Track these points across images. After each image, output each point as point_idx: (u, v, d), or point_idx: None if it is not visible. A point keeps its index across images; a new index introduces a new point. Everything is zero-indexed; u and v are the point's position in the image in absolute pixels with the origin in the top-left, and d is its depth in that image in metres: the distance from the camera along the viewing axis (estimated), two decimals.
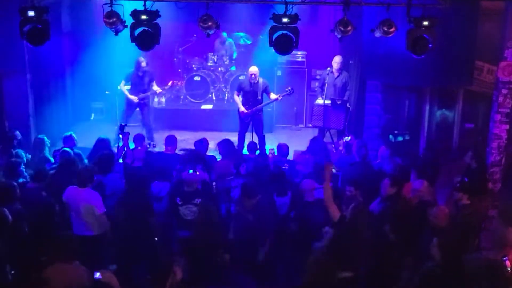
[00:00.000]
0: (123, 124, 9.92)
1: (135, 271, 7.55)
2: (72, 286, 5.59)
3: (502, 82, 8.89)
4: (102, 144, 9.63)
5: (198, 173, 7.87)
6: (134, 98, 12.06)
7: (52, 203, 7.60)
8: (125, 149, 9.43)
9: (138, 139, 9.92)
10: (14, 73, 11.32)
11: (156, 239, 7.70)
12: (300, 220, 7.73)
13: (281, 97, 11.65)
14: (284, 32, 8.55)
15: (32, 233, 7.02)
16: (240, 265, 7.14)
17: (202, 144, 9.67)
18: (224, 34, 14.51)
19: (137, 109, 12.33)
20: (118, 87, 12.34)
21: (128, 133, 9.73)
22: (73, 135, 10.02)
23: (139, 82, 12.10)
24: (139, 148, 9.45)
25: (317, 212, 7.55)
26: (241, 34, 14.89)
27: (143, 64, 12.00)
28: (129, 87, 12.22)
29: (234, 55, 14.78)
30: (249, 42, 14.81)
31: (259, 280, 7.15)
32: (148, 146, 10.07)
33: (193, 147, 9.61)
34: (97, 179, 8.00)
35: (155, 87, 12.27)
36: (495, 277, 5.63)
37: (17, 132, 10.11)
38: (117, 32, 8.86)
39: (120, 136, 9.75)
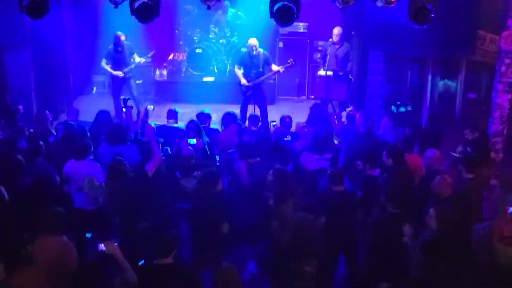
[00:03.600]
0: (126, 98, 9.93)
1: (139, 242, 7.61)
2: (59, 260, 5.57)
3: (505, 52, 8.83)
4: (103, 116, 9.64)
5: (195, 141, 7.98)
6: (120, 73, 12.01)
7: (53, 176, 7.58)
8: (128, 122, 9.46)
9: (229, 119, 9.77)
10: (15, 47, 11.29)
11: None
12: (306, 188, 7.77)
13: (283, 69, 11.62)
14: (285, 3, 8.48)
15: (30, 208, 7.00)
16: (237, 228, 7.20)
17: (203, 117, 9.68)
18: (227, 2, 14.37)
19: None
20: (101, 65, 12.28)
21: (132, 107, 9.75)
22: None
23: (120, 57, 12.06)
24: (149, 124, 9.43)
25: (323, 181, 7.62)
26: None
27: (122, 38, 11.92)
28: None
29: (240, 21, 14.62)
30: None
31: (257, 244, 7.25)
32: (146, 109, 10.06)
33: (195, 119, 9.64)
34: (115, 152, 8.04)
35: (138, 59, 12.21)
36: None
37: (20, 106, 10.13)
38: (116, 5, 8.78)
39: (124, 109, 9.76)
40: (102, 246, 5.52)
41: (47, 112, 9.81)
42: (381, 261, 5.85)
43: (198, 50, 14.16)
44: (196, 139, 8.45)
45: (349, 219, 7.01)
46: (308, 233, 5.88)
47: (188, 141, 8.49)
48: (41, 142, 8.07)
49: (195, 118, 9.69)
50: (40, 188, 6.93)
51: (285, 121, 9.92)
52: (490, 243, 5.85)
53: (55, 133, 9.45)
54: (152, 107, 10.21)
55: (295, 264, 5.59)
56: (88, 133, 9.16)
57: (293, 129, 10.43)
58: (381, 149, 8.11)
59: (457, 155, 8.57)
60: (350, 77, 12.12)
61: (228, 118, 9.66)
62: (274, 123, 10.38)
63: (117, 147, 8.22)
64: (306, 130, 9.62)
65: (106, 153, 8.21)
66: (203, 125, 9.51)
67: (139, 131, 9.29)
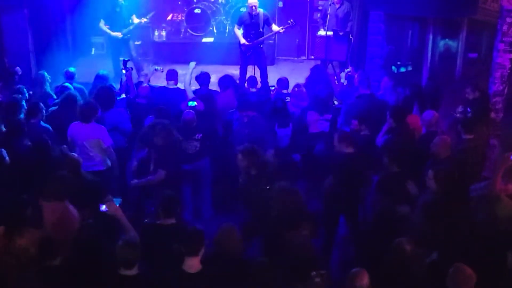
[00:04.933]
0: (125, 59, 9.88)
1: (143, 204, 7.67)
2: (63, 225, 5.60)
3: (507, 11, 8.73)
4: (101, 80, 9.61)
5: (196, 103, 8.02)
6: (118, 34, 11.91)
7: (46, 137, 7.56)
8: (128, 84, 9.44)
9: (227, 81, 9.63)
10: (11, 8, 11.17)
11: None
12: (304, 151, 7.81)
13: (283, 29, 11.52)
14: None
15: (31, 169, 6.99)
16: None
17: (203, 78, 9.64)
18: None
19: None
20: (99, 26, 12.17)
21: (132, 68, 9.70)
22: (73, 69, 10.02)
23: (118, 18, 11.93)
24: (144, 85, 9.42)
25: (321, 143, 7.63)
26: None
27: None
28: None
29: None
30: None
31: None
32: (155, 70, 10.03)
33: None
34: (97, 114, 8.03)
35: (136, 20, 12.08)
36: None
37: (18, 68, 10.08)
38: None
39: (123, 71, 9.72)
40: (104, 207, 5.57)
41: (45, 73, 9.77)
42: (386, 219, 5.90)
43: (197, 11, 14.04)
44: (197, 102, 8.45)
45: (357, 180, 7.05)
46: (294, 201, 5.89)
47: (189, 104, 8.49)
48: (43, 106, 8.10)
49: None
50: (40, 150, 6.95)
51: (282, 82, 9.88)
52: (489, 198, 5.89)
53: (54, 95, 9.43)
54: (160, 68, 10.16)
55: (291, 233, 5.62)
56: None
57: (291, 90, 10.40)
58: (383, 111, 8.11)
59: (457, 115, 8.57)
60: (350, 37, 12.03)
61: (225, 81, 9.60)
62: (273, 88, 10.36)
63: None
64: (296, 89, 9.53)
65: None
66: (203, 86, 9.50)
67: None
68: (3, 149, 6.76)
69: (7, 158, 6.74)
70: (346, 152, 7.06)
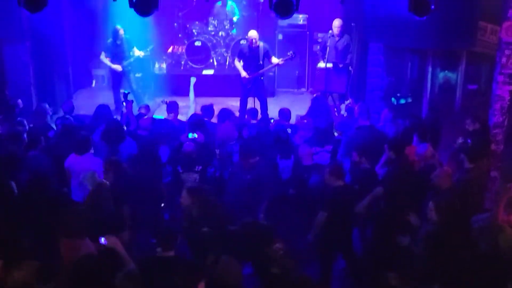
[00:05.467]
0: (126, 92, 9.93)
1: (140, 236, 7.60)
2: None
3: (506, 43, 8.76)
4: (102, 111, 9.63)
5: (196, 135, 8.01)
6: (118, 67, 12.00)
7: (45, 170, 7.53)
8: (129, 116, 9.47)
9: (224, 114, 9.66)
10: (13, 41, 11.25)
11: (162, 204, 7.81)
12: (297, 184, 7.76)
13: (282, 61, 11.59)
14: None
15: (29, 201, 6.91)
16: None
17: (208, 110, 9.68)
18: None
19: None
20: (100, 58, 12.26)
21: (132, 101, 9.74)
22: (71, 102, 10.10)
23: (119, 50, 12.04)
24: (146, 116, 9.44)
25: (315, 176, 7.59)
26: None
27: (121, 32, 11.91)
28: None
29: (236, 17, 14.63)
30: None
31: None
32: (161, 103, 10.07)
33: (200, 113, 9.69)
34: (113, 149, 8.04)
35: (137, 52, 12.18)
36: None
37: (19, 101, 10.11)
38: None
39: (124, 103, 9.76)
40: (103, 240, 5.52)
41: (47, 105, 9.79)
42: (387, 252, 5.86)
43: (197, 43, 14.14)
44: (197, 133, 8.45)
45: (348, 213, 6.99)
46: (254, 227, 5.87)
47: (189, 136, 8.49)
48: (42, 137, 8.11)
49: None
50: (39, 183, 6.92)
51: (285, 113, 9.89)
52: (492, 228, 5.86)
53: (55, 128, 9.44)
54: (166, 100, 10.21)
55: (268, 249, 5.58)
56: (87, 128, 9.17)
57: (292, 121, 10.42)
58: (382, 142, 8.11)
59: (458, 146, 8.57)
60: (350, 69, 12.10)
61: (222, 114, 9.63)
62: (272, 120, 10.38)
63: (113, 146, 8.22)
64: (305, 121, 9.58)
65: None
66: (206, 119, 9.51)
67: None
68: (12, 182, 6.74)
69: (16, 191, 6.72)
70: (335, 185, 7.02)
